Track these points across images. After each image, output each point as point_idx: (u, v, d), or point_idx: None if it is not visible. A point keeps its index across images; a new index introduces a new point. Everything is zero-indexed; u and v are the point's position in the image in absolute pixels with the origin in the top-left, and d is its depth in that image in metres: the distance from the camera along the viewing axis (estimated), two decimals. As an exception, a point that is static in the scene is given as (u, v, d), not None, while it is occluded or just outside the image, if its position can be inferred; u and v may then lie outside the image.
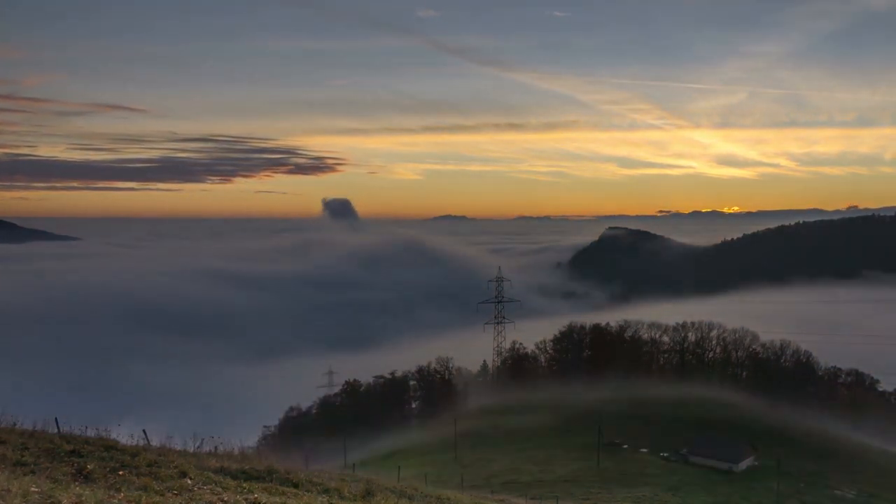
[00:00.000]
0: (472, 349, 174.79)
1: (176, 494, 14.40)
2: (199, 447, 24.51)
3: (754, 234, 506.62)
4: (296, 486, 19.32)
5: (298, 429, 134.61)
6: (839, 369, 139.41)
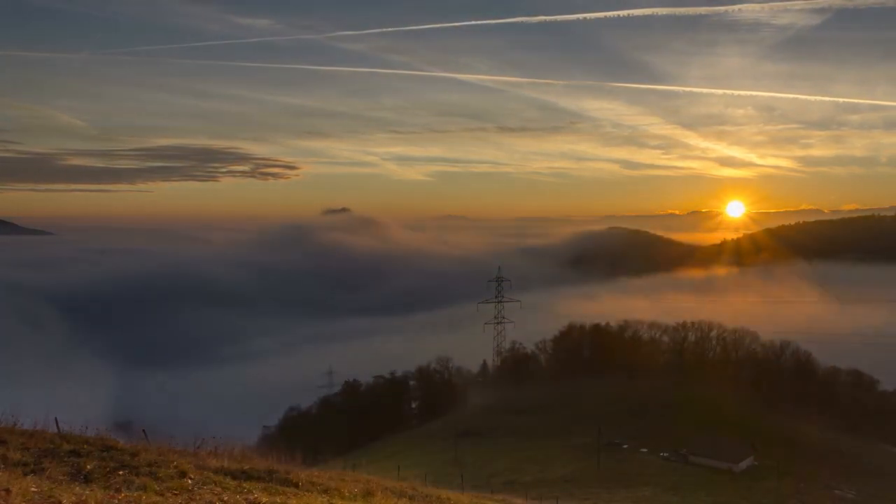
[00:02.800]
0: (472, 349, 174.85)
1: (176, 494, 14.40)
2: (198, 447, 24.48)
3: (754, 234, 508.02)
4: (296, 486, 19.30)
5: (298, 429, 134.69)
6: (839, 369, 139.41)
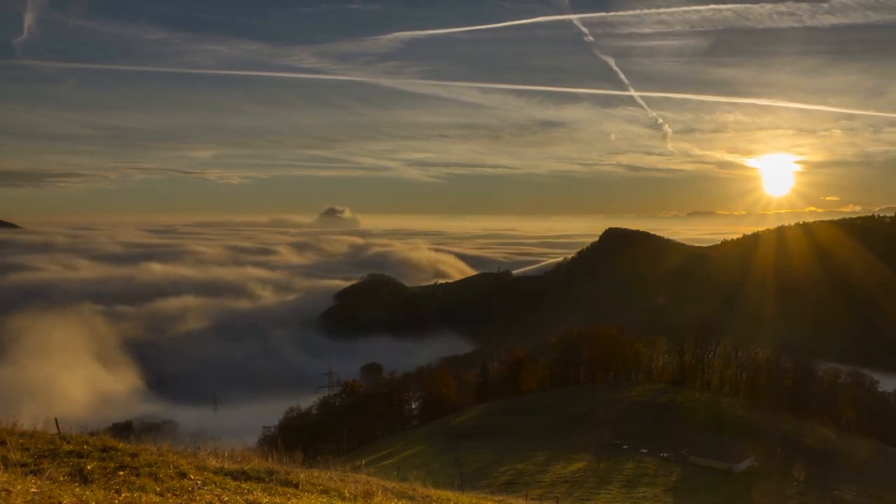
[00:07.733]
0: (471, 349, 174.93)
1: (176, 495, 14.40)
2: (198, 448, 24.52)
3: (754, 235, 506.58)
4: (295, 486, 19.31)
5: (298, 429, 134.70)
6: (839, 369, 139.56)
